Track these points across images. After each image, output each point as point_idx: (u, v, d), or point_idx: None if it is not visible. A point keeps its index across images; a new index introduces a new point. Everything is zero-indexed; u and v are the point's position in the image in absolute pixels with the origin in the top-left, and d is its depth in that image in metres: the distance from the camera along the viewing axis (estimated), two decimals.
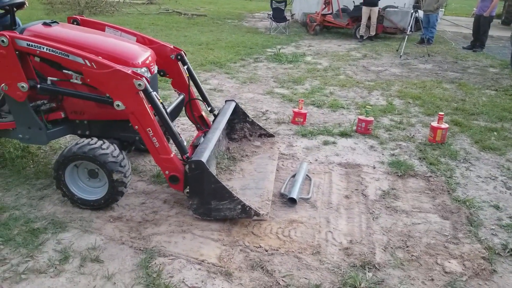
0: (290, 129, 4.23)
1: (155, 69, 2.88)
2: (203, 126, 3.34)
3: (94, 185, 2.68)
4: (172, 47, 3.15)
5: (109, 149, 2.51)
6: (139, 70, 2.58)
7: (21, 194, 2.81)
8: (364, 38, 10.21)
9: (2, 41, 2.43)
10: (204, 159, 2.42)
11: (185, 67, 3.16)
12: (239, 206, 2.47)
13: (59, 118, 2.78)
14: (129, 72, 2.38)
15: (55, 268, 2.12)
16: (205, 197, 2.49)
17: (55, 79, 2.59)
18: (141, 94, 2.41)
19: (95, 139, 2.57)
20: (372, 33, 10.20)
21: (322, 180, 3.20)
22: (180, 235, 2.43)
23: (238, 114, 3.51)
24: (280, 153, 3.66)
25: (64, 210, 2.64)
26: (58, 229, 2.43)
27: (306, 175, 3.22)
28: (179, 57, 3.13)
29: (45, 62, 2.57)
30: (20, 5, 2.94)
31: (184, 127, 4.15)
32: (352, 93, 5.67)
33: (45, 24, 2.74)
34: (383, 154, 3.72)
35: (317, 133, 4.12)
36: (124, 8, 13.34)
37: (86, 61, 2.42)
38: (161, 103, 2.53)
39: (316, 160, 3.56)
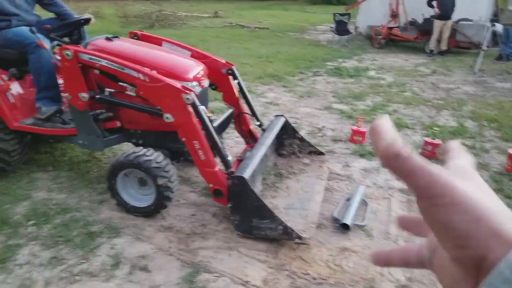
0: (348, 148, 4.00)
1: (206, 83, 2.91)
2: (251, 140, 3.32)
3: (144, 192, 2.75)
4: (224, 62, 3.18)
5: (152, 155, 2.57)
6: (189, 84, 2.63)
7: (83, 197, 2.97)
8: (434, 52, 9.59)
9: (67, 54, 2.59)
10: (246, 175, 2.38)
11: (236, 81, 3.17)
12: (281, 227, 2.38)
13: (115, 127, 2.91)
14: (179, 86, 2.44)
15: (107, 273, 2.20)
16: (247, 214, 2.44)
17: (112, 90, 2.72)
18: (189, 108, 2.45)
19: (140, 148, 2.65)
20: (444, 47, 9.55)
21: (380, 207, 2.95)
22: (226, 252, 2.39)
23: (287, 130, 3.44)
24: (335, 173, 3.46)
25: (120, 215, 2.73)
26: (112, 234, 2.54)
27: (362, 199, 2.99)
28: (230, 71, 3.16)
29: (104, 74, 2.71)
30: (87, 21, 3.13)
31: (238, 139, 4.10)
32: (418, 112, 5.27)
33: (107, 38, 2.89)
34: None
35: (376, 154, 3.82)
36: (191, 21, 13.91)
37: (140, 74, 2.51)
38: (209, 117, 2.56)
39: (375, 183, 3.30)
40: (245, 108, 3.32)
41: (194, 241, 2.48)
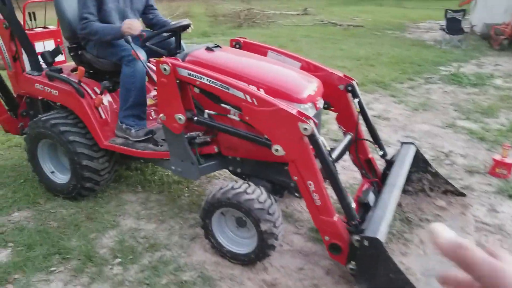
0: (489, 184, 3.13)
1: (320, 103, 2.33)
2: (369, 172, 2.68)
3: (243, 235, 2.30)
4: (341, 75, 2.58)
5: (255, 193, 2.11)
6: (302, 106, 2.12)
7: (173, 229, 2.60)
8: None
9: (164, 69, 2.21)
10: (382, 236, 1.83)
11: (356, 100, 2.53)
12: None
13: (212, 153, 2.48)
14: (294, 112, 1.93)
15: None
16: (377, 284, 1.86)
17: (212, 112, 2.29)
18: (306, 140, 1.93)
19: (240, 183, 2.20)
20: None
21: None
22: None
23: (417, 161, 2.74)
24: (480, 221, 2.65)
25: (214, 260, 2.31)
26: (207, 287, 2.09)
27: None
28: (349, 88, 2.53)
29: (205, 93, 2.28)
30: (185, 27, 2.74)
31: (345, 163, 3.45)
32: None
33: (207, 49, 2.46)
34: None
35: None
36: (279, 20, 13.44)
37: (247, 96, 2.03)
38: (328, 151, 2.00)
39: None
40: (363, 133, 2.68)
41: None
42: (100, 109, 2.76)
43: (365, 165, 2.68)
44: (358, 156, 2.64)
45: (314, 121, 1.94)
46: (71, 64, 3.15)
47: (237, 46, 2.85)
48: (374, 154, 2.74)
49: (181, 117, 2.27)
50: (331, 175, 1.97)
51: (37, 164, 2.98)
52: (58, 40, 3.46)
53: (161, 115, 2.36)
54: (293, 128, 1.92)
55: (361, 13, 15.96)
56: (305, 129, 1.90)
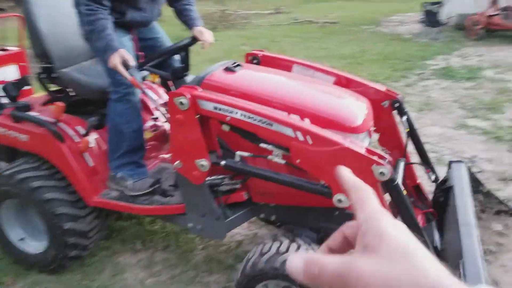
0: None
1: (373, 129, 2.02)
2: (418, 200, 2.34)
3: None
4: (384, 90, 2.24)
5: None
6: (359, 137, 1.77)
7: None
8: None
9: (181, 103, 1.73)
10: None
11: (404, 118, 2.22)
12: None
13: (240, 201, 2.04)
14: (364, 152, 1.55)
15: None
16: None
17: (246, 154, 1.84)
18: (380, 187, 1.58)
19: (285, 242, 1.75)
20: None
21: None
22: None
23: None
24: None
25: None
26: None
27: None
28: (396, 105, 2.21)
29: (236, 130, 1.82)
30: (193, 41, 2.35)
31: None
32: None
33: (227, 69, 2.01)
34: None
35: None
36: (254, 20, 13.13)
37: (298, 133, 1.63)
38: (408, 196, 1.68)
39: None
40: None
41: None
42: (86, 155, 2.20)
43: (413, 192, 2.36)
44: (405, 182, 2.26)
45: (389, 161, 1.57)
46: (41, 95, 2.55)
47: (255, 61, 2.44)
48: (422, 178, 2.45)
49: (204, 163, 1.80)
50: (416, 230, 1.63)
51: (0, 232, 2.34)
52: (22, 64, 2.87)
53: (177, 162, 1.88)
54: (365, 173, 1.53)
55: (334, 9, 15.89)
56: (382, 173, 1.52)
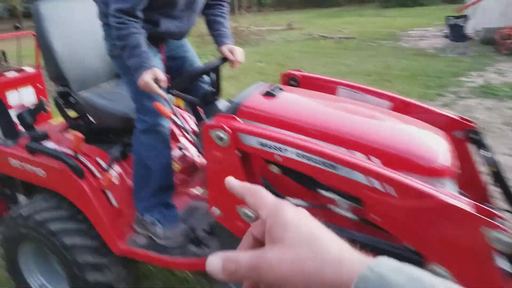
0: None
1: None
2: None
3: None
4: (456, 117, 1.73)
5: None
6: (445, 182, 1.28)
7: None
8: None
9: (220, 138, 1.34)
10: None
11: (482, 152, 1.70)
12: None
13: None
14: (472, 210, 1.08)
15: None
16: None
17: (302, 203, 1.41)
18: (496, 257, 1.09)
19: None
20: None
21: None
22: None
23: None
24: None
25: None
26: None
27: None
28: (472, 135, 1.70)
29: (287, 172, 1.41)
30: (224, 60, 1.95)
31: None
32: None
33: (268, 94, 1.59)
34: None
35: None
36: (267, 36, 12.79)
37: (373, 180, 1.16)
38: None
39: None
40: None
41: None
42: (109, 193, 1.85)
43: None
44: None
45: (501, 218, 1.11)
46: (59, 121, 2.25)
47: (293, 83, 2.01)
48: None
49: (248, 212, 1.36)
50: None
51: (20, 277, 2.02)
52: (38, 85, 2.55)
53: (214, 208, 1.48)
54: (473, 236, 1.06)
55: (346, 24, 15.58)
56: (498, 239, 1.04)
